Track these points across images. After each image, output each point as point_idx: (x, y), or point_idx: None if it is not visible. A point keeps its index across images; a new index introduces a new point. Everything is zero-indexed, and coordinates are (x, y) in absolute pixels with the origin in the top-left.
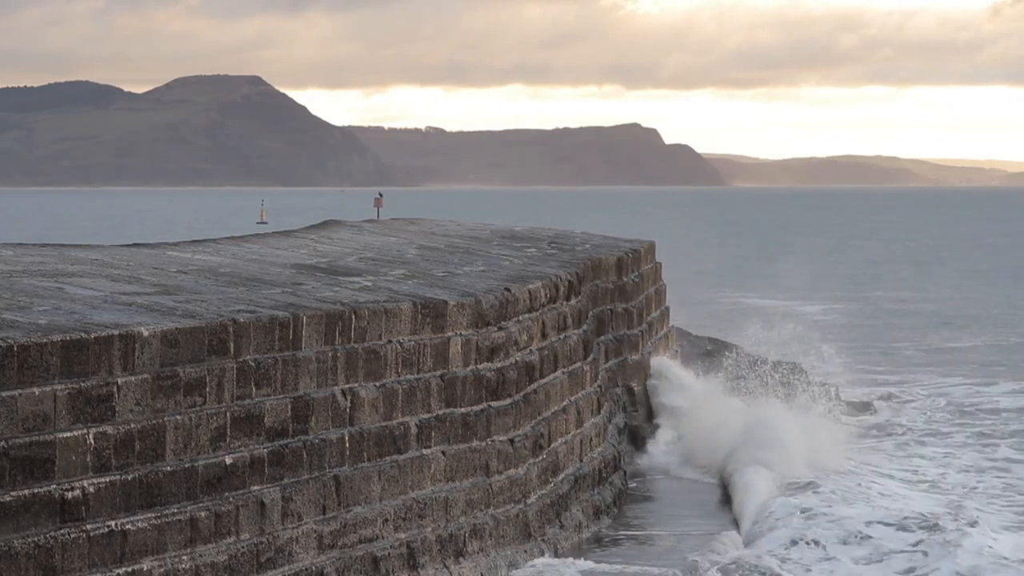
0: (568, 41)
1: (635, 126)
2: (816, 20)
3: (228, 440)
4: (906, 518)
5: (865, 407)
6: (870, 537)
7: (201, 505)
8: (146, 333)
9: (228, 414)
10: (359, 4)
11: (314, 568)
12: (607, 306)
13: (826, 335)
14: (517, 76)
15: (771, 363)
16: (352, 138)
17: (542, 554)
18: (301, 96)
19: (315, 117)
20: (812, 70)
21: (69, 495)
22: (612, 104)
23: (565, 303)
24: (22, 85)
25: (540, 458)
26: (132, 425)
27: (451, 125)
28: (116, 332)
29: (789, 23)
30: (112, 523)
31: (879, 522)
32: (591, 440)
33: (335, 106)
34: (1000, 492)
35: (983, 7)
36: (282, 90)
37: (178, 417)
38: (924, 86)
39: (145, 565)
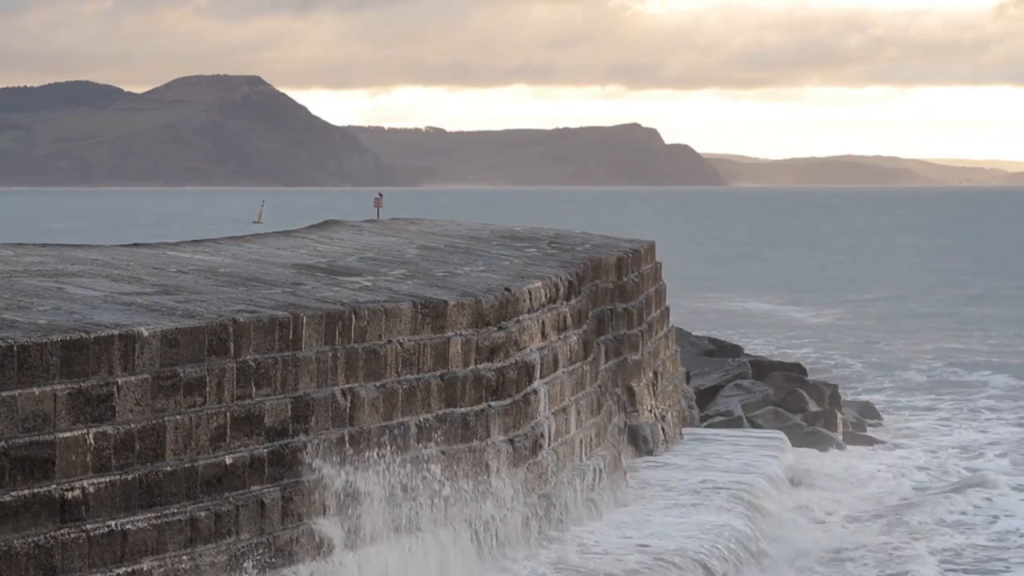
0: (574, 41)
1: (635, 126)
2: (823, 20)
3: (228, 440)
4: None
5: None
6: None
7: (201, 505)
8: (146, 333)
9: (228, 414)
10: (367, 5)
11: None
12: (607, 306)
13: (824, 335)
14: (521, 76)
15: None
16: (352, 138)
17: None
18: (303, 96)
19: (315, 117)
20: (816, 70)
21: (69, 495)
22: (614, 104)
23: (565, 303)
24: (22, 85)
25: (540, 458)
26: (132, 425)
27: (451, 125)
28: (116, 332)
29: (796, 23)
30: (112, 523)
31: None
32: (591, 440)
33: (335, 106)
34: None
35: (988, 7)
36: (283, 90)
37: (178, 417)
38: (927, 86)
39: (145, 565)
